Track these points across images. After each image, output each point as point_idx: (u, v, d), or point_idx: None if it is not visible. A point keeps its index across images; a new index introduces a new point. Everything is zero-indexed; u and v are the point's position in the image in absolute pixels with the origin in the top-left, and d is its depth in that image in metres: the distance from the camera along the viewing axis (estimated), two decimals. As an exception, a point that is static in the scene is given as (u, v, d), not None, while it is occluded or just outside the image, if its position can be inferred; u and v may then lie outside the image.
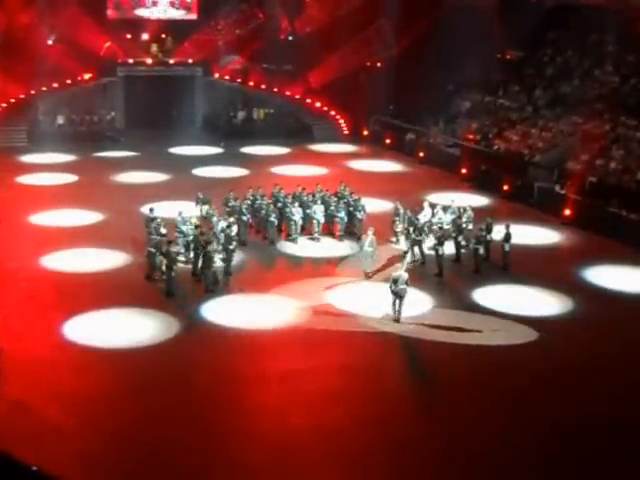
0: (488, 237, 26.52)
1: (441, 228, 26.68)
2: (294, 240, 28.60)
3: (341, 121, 50.97)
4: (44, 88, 48.63)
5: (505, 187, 35.91)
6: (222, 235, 25.63)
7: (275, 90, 51.62)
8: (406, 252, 25.02)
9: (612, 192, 31.74)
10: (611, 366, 20.13)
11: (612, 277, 26.09)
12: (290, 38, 54.76)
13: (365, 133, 49.17)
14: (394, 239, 28.39)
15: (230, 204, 28.92)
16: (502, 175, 36.98)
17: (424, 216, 28.59)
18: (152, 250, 24.50)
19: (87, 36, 49.16)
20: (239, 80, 51.98)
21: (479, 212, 28.84)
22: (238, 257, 25.74)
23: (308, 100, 51.38)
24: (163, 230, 25.85)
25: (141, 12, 52.22)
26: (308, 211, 28.94)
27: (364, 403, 18.08)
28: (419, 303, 23.20)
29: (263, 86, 51.84)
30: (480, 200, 34.28)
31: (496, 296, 24.19)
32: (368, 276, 24.85)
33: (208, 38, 52.96)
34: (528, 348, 20.93)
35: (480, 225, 26.80)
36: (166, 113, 50.11)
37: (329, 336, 21.40)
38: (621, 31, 41.38)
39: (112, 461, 15.39)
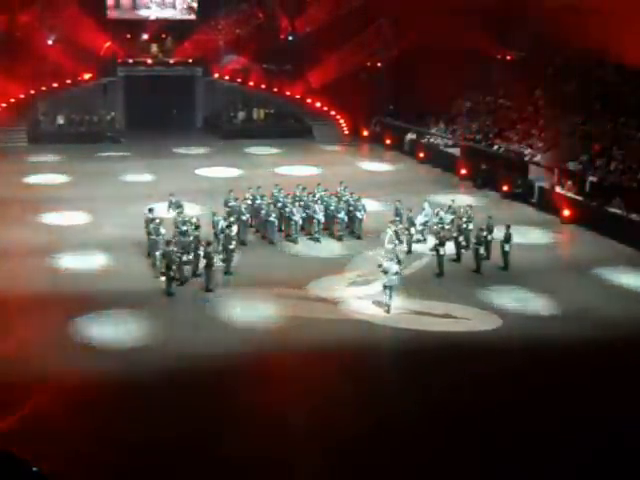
0: (489, 237, 26.51)
1: (442, 228, 26.66)
2: (294, 240, 28.59)
3: (341, 121, 50.98)
4: (44, 88, 48.64)
5: (505, 187, 35.91)
6: (222, 235, 25.65)
7: (275, 90, 51.62)
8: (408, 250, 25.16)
9: (612, 192, 31.72)
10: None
11: (611, 276, 26.10)
12: (290, 38, 54.75)
13: (365, 133, 49.17)
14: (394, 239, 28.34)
15: (230, 204, 28.90)
16: (502, 175, 37.01)
17: (425, 216, 28.59)
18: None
19: (87, 36, 49.17)
20: (239, 80, 51.98)
21: (479, 212, 28.82)
22: (238, 257, 25.72)
23: (308, 100, 51.38)
24: (162, 230, 25.84)
25: (141, 12, 52.22)
26: (308, 211, 28.94)
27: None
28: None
29: (263, 86, 51.85)
30: (480, 200, 34.27)
31: (496, 295, 24.21)
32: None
33: (208, 38, 52.96)
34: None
35: (481, 225, 26.78)
36: (166, 113, 50.12)
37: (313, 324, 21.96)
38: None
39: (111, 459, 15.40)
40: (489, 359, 20.27)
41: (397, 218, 28.59)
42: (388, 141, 46.86)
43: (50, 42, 50.50)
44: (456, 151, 42.53)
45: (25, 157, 42.33)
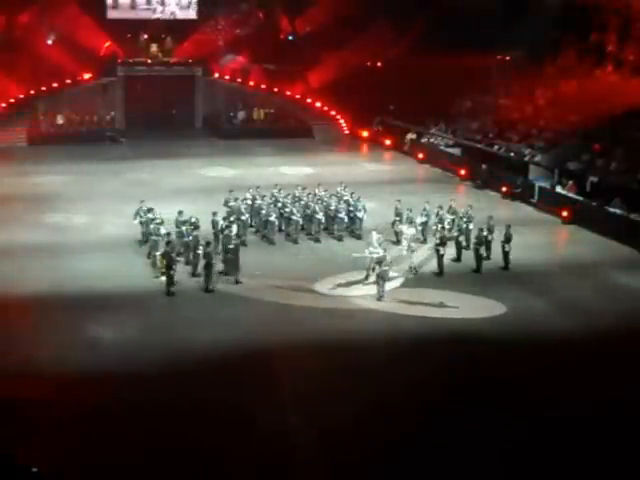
0: (489, 237, 26.52)
1: (443, 228, 26.66)
2: (294, 240, 28.58)
3: (341, 121, 50.99)
4: (44, 88, 48.64)
5: (505, 187, 35.91)
6: (222, 235, 25.65)
7: (275, 90, 51.62)
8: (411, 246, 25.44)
9: (613, 192, 31.71)
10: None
11: (611, 276, 26.11)
12: (290, 38, 54.76)
13: (365, 133, 49.15)
14: (394, 239, 28.35)
15: (230, 204, 28.89)
16: (502, 175, 37.01)
17: (425, 216, 28.57)
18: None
19: (87, 36, 49.20)
20: (239, 80, 51.98)
21: (479, 212, 28.81)
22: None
23: (308, 100, 51.38)
24: (162, 230, 25.83)
25: (141, 12, 52.23)
26: (308, 211, 28.93)
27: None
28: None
29: (263, 86, 51.84)
30: (480, 200, 34.23)
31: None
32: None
33: (208, 38, 52.99)
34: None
35: (481, 225, 26.78)
36: (166, 113, 50.12)
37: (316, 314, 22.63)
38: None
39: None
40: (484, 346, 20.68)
41: (397, 218, 28.60)
42: (388, 141, 46.86)
43: (50, 42, 50.52)
44: (456, 151, 42.55)
45: (25, 157, 42.31)
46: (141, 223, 27.43)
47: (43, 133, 47.31)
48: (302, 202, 29.29)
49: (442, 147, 43.77)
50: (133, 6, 51.89)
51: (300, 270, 25.99)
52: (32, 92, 48.43)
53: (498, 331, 21.74)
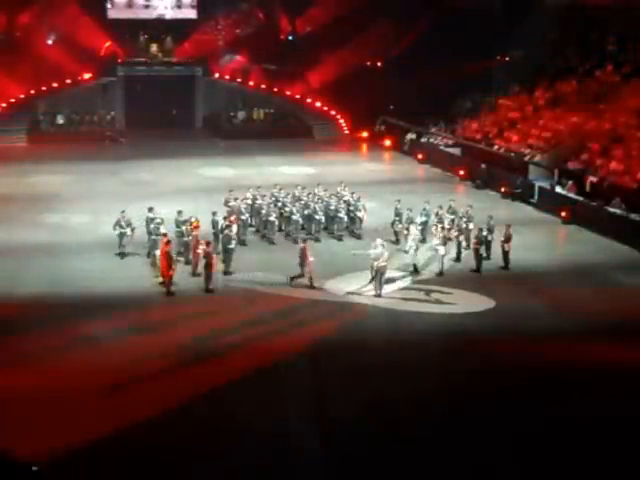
0: (489, 237, 26.53)
1: (443, 228, 26.67)
2: (294, 240, 28.58)
3: (341, 121, 51.02)
4: (44, 88, 48.68)
5: (505, 187, 35.92)
6: (222, 235, 25.65)
7: (275, 90, 51.66)
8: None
9: (612, 192, 31.73)
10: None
11: (611, 276, 26.12)
12: (290, 38, 54.79)
13: (365, 133, 49.17)
14: (394, 239, 28.36)
15: (230, 204, 28.90)
16: (502, 175, 37.02)
17: (424, 216, 28.55)
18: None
19: (87, 36, 49.24)
20: (239, 80, 52.02)
21: (479, 212, 28.82)
22: (238, 257, 25.73)
23: (308, 100, 51.40)
24: (162, 230, 25.83)
25: (141, 12, 52.28)
26: (308, 211, 28.94)
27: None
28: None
29: (263, 86, 51.88)
30: (480, 200, 34.22)
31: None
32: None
33: (208, 38, 53.05)
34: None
35: (481, 225, 26.79)
36: (166, 113, 50.17)
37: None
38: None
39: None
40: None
41: (397, 218, 28.60)
42: (388, 141, 46.87)
43: (50, 42, 50.57)
44: (456, 151, 42.56)
45: (25, 157, 42.32)
46: (120, 235, 26.17)
47: (43, 133, 47.35)
48: (302, 202, 29.29)
49: (442, 147, 43.77)
50: (130, 4, 51.86)
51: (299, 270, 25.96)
52: (32, 92, 48.49)
53: (495, 327, 21.87)
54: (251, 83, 52.03)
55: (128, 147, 45.48)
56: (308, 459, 15.61)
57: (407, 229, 26.98)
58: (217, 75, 51.93)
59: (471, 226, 27.65)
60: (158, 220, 26.34)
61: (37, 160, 41.44)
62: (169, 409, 17.25)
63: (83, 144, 45.03)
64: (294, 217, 28.74)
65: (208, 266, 23.76)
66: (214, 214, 27.27)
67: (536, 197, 34.74)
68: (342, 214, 29.09)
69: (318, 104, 51.28)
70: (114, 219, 26.57)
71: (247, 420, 16.81)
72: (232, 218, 27.10)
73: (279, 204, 29.30)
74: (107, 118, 49.21)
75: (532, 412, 17.36)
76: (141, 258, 26.31)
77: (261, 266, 26.14)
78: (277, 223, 28.80)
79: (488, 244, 26.59)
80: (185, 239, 25.90)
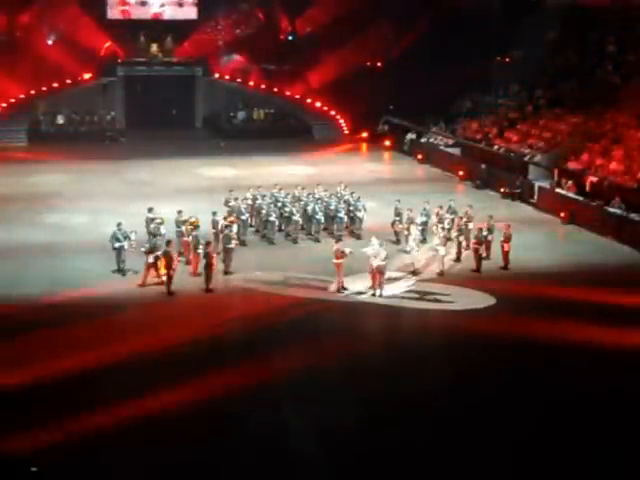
0: (489, 237, 26.54)
1: (443, 229, 26.68)
2: (294, 240, 28.60)
3: (341, 121, 51.01)
4: (44, 88, 48.69)
5: (505, 187, 35.90)
6: (222, 235, 25.66)
7: (275, 90, 51.65)
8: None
9: (612, 192, 31.72)
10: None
11: (610, 276, 26.13)
12: (290, 38, 54.78)
13: (364, 134, 49.15)
14: (394, 239, 28.36)
15: (230, 204, 28.90)
16: (502, 175, 37.01)
17: (424, 216, 28.55)
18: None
19: (87, 36, 49.24)
20: (239, 80, 52.02)
21: (479, 212, 28.82)
22: (238, 257, 25.74)
23: (308, 100, 51.40)
24: (163, 230, 25.83)
25: (141, 12, 52.26)
26: (308, 209, 28.95)
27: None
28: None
29: (263, 86, 51.88)
30: (480, 200, 34.22)
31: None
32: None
33: (208, 38, 53.03)
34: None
35: (481, 225, 26.81)
36: (166, 113, 50.15)
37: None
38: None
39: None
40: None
41: (397, 218, 28.60)
42: (388, 141, 46.87)
43: (50, 42, 50.56)
44: (456, 151, 42.56)
45: (25, 157, 42.33)
46: (118, 250, 24.79)
47: (43, 133, 47.37)
48: (301, 202, 29.30)
49: (442, 147, 43.77)
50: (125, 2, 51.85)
51: (300, 269, 25.97)
52: (32, 92, 48.48)
53: (494, 324, 22.01)
54: (251, 83, 52.03)
55: (128, 147, 45.45)
56: (308, 459, 15.64)
57: (407, 229, 26.98)
58: (217, 75, 51.92)
59: (471, 226, 27.66)
60: (158, 220, 26.36)
61: (37, 160, 41.45)
62: (168, 409, 17.29)
63: (83, 144, 45.05)
64: (294, 217, 28.75)
65: (208, 266, 23.79)
66: (214, 214, 27.26)
67: (536, 197, 34.74)
68: (342, 214, 29.09)
69: (318, 104, 51.26)
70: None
71: (247, 420, 16.84)
72: (232, 218, 27.16)
73: (279, 204, 29.30)
74: (107, 118, 49.21)
75: (532, 411, 17.39)
76: (141, 258, 26.27)
77: (261, 266, 26.16)
78: (277, 223, 28.80)
79: (488, 244, 26.60)
80: (185, 239, 25.90)
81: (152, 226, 26.17)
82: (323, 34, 50.98)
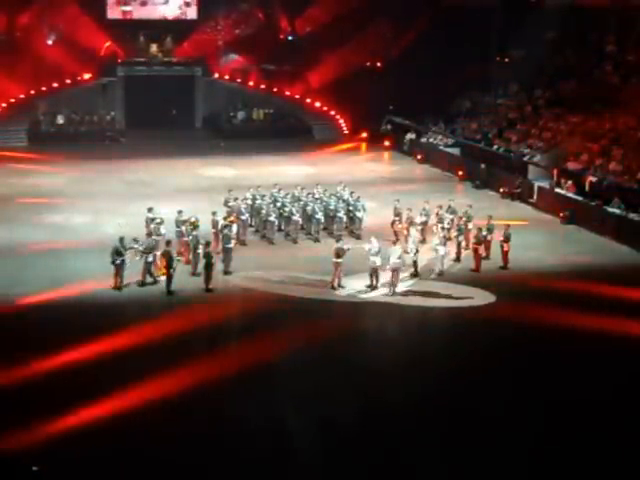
0: (488, 237, 26.57)
1: (443, 228, 26.71)
2: (294, 240, 28.62)
3: (341, 121, 51.02)
4: (44, 88, 48.69)
5: (504, 187, 35.93)
6: (222, 235, 25.68)
7: (275, 90, 51.66)
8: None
9: (612, 192, 31.75)
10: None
11: (610, 276, 26.14)
12: (290, 38, 54.78)
13: (364, 134, 49.14)
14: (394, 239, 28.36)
15: (230, 204, 28.92)
16: (502, 175, 37.04)
17: (424, 216, 28.58)
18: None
19: (87, 36, 49.24)
20: (239, 80, 52.01)
21: (479, 212, 28.85)
22: (238, 257, 25.77)
23: (308, 100, 51.41)
24: (162, 230, 25.85)
25: (141, 12, 52.28)
26: (308, 208, 28.97)
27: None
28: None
29: (263, 86, 51.88)
30: (480, 200, 34.24)
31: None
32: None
33: (208, 38, 53.02)
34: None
35: (480, 225, 26.84)
36: (166, 113, 50.15)
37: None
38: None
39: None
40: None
41: (397, 218, 28.62)
42: (387, 141, 46.88)
43: (50, 42, 50.56)
44: (456, 151, 42.58)
45: (25, 157, 42.36)
46: (120, 265, 23.69)
47: (43, 133, 47.38)
48: (301, 202, 29.32)
49: (441, 147, 43.79)
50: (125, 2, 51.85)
51: (299, 269, 26.01)
52: (32, 92, 48.48)
53: (494, 322, 22.20)
54: (251, 83, 52.02)
55: (128, 147, 45.46)
56: (307, 459, 15.67)
57: (407, 230, 27.01)
58: (217, 75, 51.91)
59: (470, 226, 27.69)
60: (158, 220, 26.38)
61: (37, 160, 41.47)
62: (169, 407, 17.33)
63: (83, 144, 45.06)
64: (294, 217, 28.77)
65: (208, 266, 23.82)
66: (214, 214, 27.29)
67: (535, 197, 34.77)
68: (341, 214, 29.11)
69: (318, 104, 51.27)
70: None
71: (247, 419, 16.87)
72: (232, 218, 27.19)
73: (279, 204, 29.33)
74: (107, 118, 49.20)
75: (533, 411, 17.42)
76: (141, 258, 26.29)
77: (261, 266, 26.19)
78: (277, 223, 28.83)
79: (487, 244, 26.63)
80: (185, 239, 25.92)
81: (152, 226, 26.19)
82: (323, 34, 50.98)
